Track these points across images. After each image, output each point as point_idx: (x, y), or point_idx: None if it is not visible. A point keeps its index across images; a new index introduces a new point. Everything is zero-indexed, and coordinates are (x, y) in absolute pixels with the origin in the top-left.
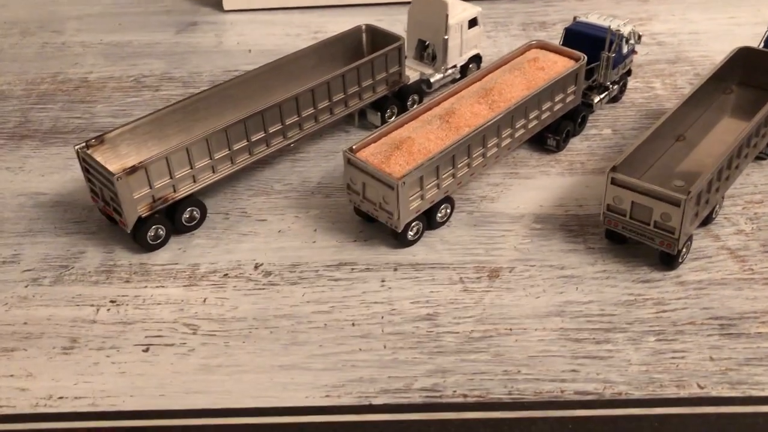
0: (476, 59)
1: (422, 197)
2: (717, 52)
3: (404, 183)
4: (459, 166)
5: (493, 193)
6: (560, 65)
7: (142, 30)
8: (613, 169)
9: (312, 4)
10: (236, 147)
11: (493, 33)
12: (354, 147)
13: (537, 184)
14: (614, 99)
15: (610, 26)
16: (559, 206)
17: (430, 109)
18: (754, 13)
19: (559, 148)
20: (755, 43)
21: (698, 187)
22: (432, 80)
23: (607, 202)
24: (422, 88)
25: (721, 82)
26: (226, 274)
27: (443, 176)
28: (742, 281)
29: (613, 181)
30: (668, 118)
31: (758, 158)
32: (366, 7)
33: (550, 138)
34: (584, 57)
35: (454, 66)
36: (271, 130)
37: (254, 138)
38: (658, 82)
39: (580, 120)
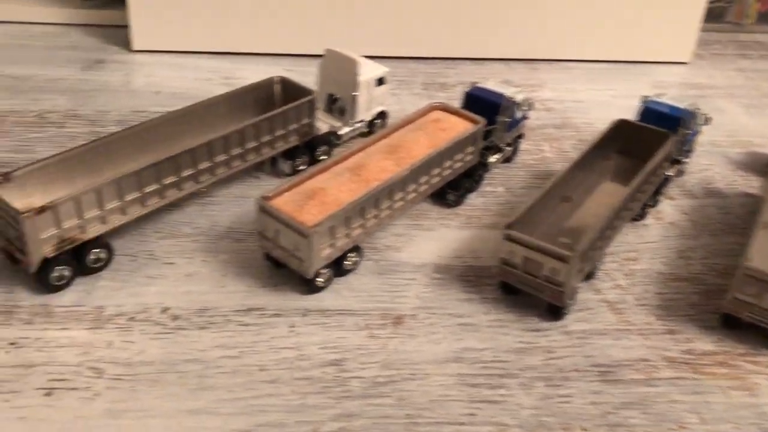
0: (382, 115)
1: (333, 245)
2: (599, 119)
3: (317, 232)
4: (368, 217)
5: (398, 243)
6: (460, 127)
7: (46, 64)
8: (508, 226)
9: (222, 50)
10: (147, 190)
11: (398, 90)
12: (268, 195)
13: (437, 236)
14: (507, 159)
15: (504, 93)
16: (457, 257)
17: (340, 162)
18: (628, 87)
19: (457, 203)
20: (629, 113)
21: (583, 245)
22: (341, 132)
23: (502, 256)
24: (331, 139)
25: (602, 149)
26: (132, 317)
27: (353, 226)
28: (619, 331)
29: (508, 238)
30: (557, 180)
31: (633, 220)
32: (276, 57)
33: (450, 193)
34: (483, 120)
35: (362, 120)
36: (184, 174)
37: (166, 182)
38: (546, 146)
39: (477, 177)
